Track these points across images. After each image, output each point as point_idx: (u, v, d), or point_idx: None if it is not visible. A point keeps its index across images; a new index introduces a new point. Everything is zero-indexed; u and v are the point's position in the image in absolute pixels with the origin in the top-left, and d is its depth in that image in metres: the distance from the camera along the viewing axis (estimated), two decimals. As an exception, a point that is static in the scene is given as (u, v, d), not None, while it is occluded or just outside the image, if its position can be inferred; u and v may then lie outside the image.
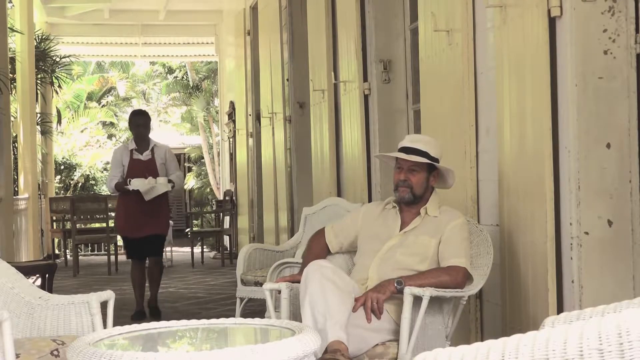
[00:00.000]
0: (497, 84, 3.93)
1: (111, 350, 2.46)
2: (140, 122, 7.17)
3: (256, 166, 10.48)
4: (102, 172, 19.87)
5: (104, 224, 11.32)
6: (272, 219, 9.21)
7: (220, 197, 14.62)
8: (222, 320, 2.92)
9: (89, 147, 23.05)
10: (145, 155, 7.05)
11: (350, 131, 6.17)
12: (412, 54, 5.60)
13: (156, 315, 7.11)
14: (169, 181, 7.05)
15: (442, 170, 3.77)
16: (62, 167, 19.51)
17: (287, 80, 8.41)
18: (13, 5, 11.39)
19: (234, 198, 12.21)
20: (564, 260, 3.46)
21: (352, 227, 3.90)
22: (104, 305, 3.39)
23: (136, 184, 6.86)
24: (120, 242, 11.40)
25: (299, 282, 3.54)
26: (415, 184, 3.71)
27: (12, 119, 9.99)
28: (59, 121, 15.81)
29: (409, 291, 3.35)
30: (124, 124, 26.28)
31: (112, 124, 25.26)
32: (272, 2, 8.93)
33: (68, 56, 13.03)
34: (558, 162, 3.49)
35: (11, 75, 10.01)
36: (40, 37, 12.40)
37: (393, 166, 3.83)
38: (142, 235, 7.09)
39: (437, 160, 3.73)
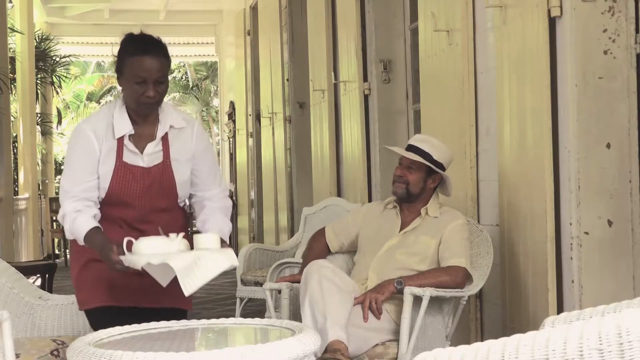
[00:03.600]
0: (497, 84, 3.93)
1: (111, 350, 2.46)
2: (152, 67, 2.94)
3: (256, 166, 10.48)
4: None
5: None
6: (272, 219, 9.21)
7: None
8: (222, 320, 2.92)
9: (89, 147, 23.05)
10: (151, 154, 3.04)
11: (350, 131, 6.17)
12: (412, 54, 5.60)
13: None
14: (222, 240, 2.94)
15: (443, 176, 3.76)
16: (62, 167, 19.53)
17: (287, 80, 8.42)
18: (13, 5, 11.39)
19: (234, 198, 12.22)
20: (564, 260, 3.46)
21: (353, 227, 3.90)
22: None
23: (138, 258, 2.76)
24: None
25: (299, 282, 3.54)
26: (412, 181, 3.71)
27: (12, 119, 9.99)
28: (60, 121, 15.81)
29: (409, 291, 3.35)
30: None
31: (112, 123, 25.24)
32: (272, 2, 8.93)
33: (68, 56, 13.04)
34: (558, 162, 3.49)
35: (11, 75, 10.01)
36: (40, 37, 12.41)
37: (394, 167, 3.83)
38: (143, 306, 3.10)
39: (438, 164, 3.71)
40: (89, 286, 3.08)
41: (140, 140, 3.04)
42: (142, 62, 2.95)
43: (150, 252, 2.74)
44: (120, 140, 3.01)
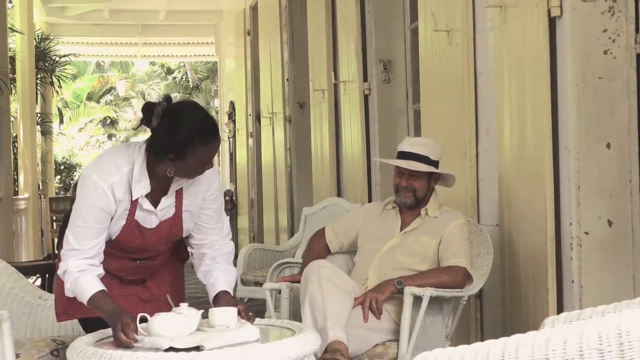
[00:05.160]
0: (497, 84, 3.93)
1: (111, 350, 2.46)
2: (218, 146, 2.83)
3: (256, 166, 10.48)
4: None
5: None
6: (272, 219, 9.21)
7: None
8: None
9: (89, 147, 23.09)
10: (164, 209, 2.91)
11: (350, 131, 6.17)
12: (412, 54, 5.60)
13: None
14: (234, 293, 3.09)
15: (442, 174, 3.76)
16: (62, 167, 19.52)
17: (287, 80, 8.42)
18: (13, 5, 11.39)
19: (234, 198, 12.21)
20: (564, 260, 3.46)
21: (353, 227, 3.90)
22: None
23: (160, 340, 2.50)
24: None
25: (299, 282, 3.54)
26: (418, 188, 3.70)
27: (12, 119, 9.99)
28: (61, 121, 15.80)
29: (409, 291, 3.35)
30: (123, 123, 26.30)
31: (112, 123, 25.28)
32: (272, 2, 8.93)
33: (67, 55, 13.04)
34: (558, 162, 3.49)
35: (11, 75, 10.00)
36: (40, 37, 12.40)
37: (393, 167, 3.82)
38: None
39: (437, 163, 3.72)
40: (63, 304, 2.97)
41: (154, 193, 2.86)
42: (212, 147, 2.77)
43: (167, 332, 2.51)
44: (135, 199, 2.83)
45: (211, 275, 2.96)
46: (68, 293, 2.81)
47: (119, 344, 2.54)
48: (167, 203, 2.88)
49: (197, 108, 2.81)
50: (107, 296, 2.75)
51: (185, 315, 2.57)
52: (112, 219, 2.83)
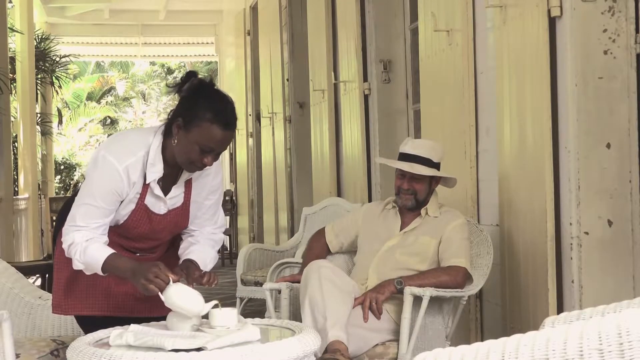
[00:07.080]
0: (497, 84, 3.93)
1: (111, 350, 2.46)
2: (226, 141, 2.75)
3: (256, 166, 10.49)
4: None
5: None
6: (272, 219, 9.21)
7: (220, 197, 14.59)
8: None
9: (89, 147, 23.07)
10: (173, 197, 2.89)
11: (350, 131, 6.17)
12: (412, 54, 5.60)
13: None
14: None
15: (444, 176, 3.76)
16: (62, 167, 19.51)
17: (287, 80, 8.42)
18: (13, 5, 11.39)
19: (234, 198, 12.21)
20: (564, 260, 3.46)
21: (353, 227, 3.90)
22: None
23: (163, 340, 2.44)
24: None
25: (299, 282, 3.54)
26: (420, 190, 3.70)
27: (12, 119, 9.98)
28: (60, 121, 15.79)
29: (409, 291, 3.35)
30: (123, 124, 26.30)
31: (112, 123, 25.28)
32: (272, 2, 8.94)
33: (67, 55, 13.04)
34: (558, 162, 3.49)
35: (11, 75, 10.00)
36: (40, 37, 12.40)
37: (394, 168, 3.81)
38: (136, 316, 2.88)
39: (439, 164, 3.71)
40: (82, 291, 2.95)
41: (166, 181, 2.84)
42: (218, 135, 2.69)
43: (182, 301, 2.55)
44: (147, 184, 2.81)
45: (186, 249, 2.94)
46: (78, 265, 2.75)
47: (145, 287, 2.56)
48: (177, 192, 2.87)
49: (228, 99, 2.78)
50: (121, 256, 2.75)
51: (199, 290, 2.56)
52: (121, 202, 2.80)
